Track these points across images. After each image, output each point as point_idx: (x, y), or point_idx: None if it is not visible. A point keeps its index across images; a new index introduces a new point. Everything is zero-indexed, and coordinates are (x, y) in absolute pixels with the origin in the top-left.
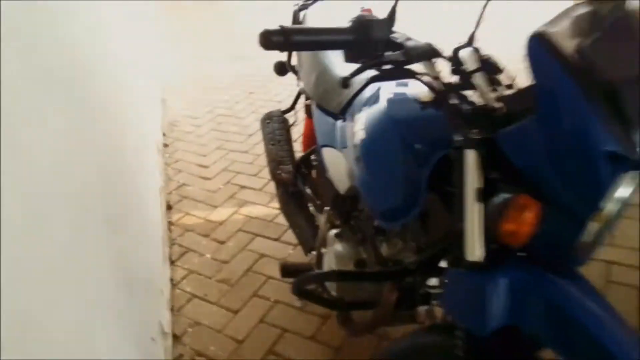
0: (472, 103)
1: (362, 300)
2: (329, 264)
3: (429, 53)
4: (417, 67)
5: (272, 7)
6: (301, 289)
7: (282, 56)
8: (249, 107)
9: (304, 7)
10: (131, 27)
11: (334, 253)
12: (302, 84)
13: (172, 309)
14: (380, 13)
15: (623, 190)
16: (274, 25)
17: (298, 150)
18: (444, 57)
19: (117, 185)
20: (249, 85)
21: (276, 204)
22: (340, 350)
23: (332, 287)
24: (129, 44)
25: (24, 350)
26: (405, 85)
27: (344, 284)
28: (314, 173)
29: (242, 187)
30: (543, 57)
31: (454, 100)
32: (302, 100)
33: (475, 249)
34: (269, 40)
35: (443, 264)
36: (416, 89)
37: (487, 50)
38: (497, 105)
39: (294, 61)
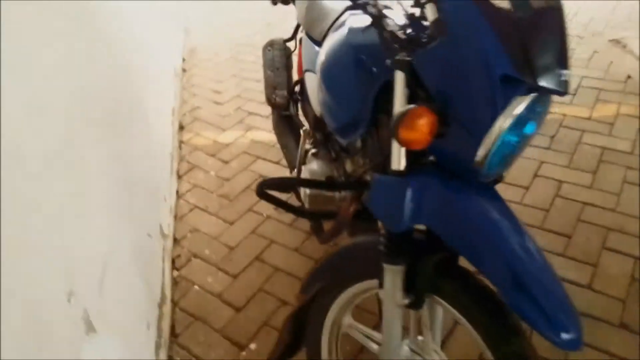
0: (403, 29)
1: (325, 211)
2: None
3: None
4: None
5: None
6: (263, 191)
7: None
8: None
9: None
10: None
11: (309, 169)
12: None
13: (175, 217)
14: None
15: (518, 109)
16: None
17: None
18: None
19: (122, 96)
20: (269, 17)
21: None
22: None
23: (306, 200)
24: None
25: (23, 241)
26: None
27: (315, 197)
28: None
29: (251, 113)
30: None
31: (388, 27)
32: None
33: (397, 159)
34: None
35: None
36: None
37: None
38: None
39: None
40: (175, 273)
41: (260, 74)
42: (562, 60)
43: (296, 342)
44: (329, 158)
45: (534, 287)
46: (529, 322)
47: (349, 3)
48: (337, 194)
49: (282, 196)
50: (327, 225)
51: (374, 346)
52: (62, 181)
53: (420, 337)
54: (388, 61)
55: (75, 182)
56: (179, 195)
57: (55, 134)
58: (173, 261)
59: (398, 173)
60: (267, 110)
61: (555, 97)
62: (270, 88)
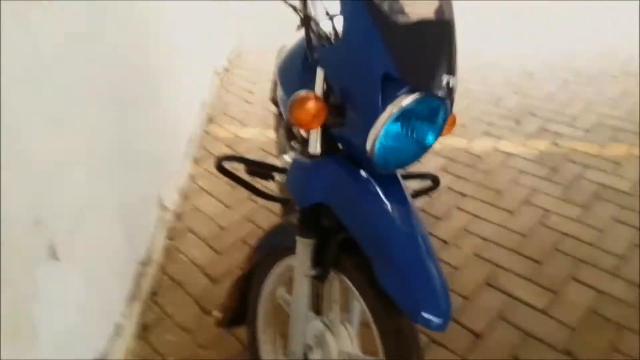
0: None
1: (284, 198)
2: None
3: None
4: None
5: None
6: (220, 165)
7: None
8: None
9: None
10: None
11: (283, 159)
12: None
13: (183, 196)
14: None
15: (398, 105)
16: None
17: None
18: None
19: (136, 81)
20: None
21: None
22: None
23: (276, 185)
24: None
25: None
26: None
27: (281, 183)
28: None
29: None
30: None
31: (313, 26)
32: None
33: (314, 145)
34: None
35: None
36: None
37: None
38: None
39: None
40: (169, 243)
41: None
42: (447, 67)
43: (241, 310)
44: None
45: (405, 268)
46: (395, 300)
47: None
48: None
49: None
50: None
51: None
52: (56, 127)
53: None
54: (314, 57)
55: (67, 133)
56: (191, 177)
57: (61, 96)
58: (170, 232)
59: (312, 157)
60: None
61: (568, 132)
62: (274, 86)
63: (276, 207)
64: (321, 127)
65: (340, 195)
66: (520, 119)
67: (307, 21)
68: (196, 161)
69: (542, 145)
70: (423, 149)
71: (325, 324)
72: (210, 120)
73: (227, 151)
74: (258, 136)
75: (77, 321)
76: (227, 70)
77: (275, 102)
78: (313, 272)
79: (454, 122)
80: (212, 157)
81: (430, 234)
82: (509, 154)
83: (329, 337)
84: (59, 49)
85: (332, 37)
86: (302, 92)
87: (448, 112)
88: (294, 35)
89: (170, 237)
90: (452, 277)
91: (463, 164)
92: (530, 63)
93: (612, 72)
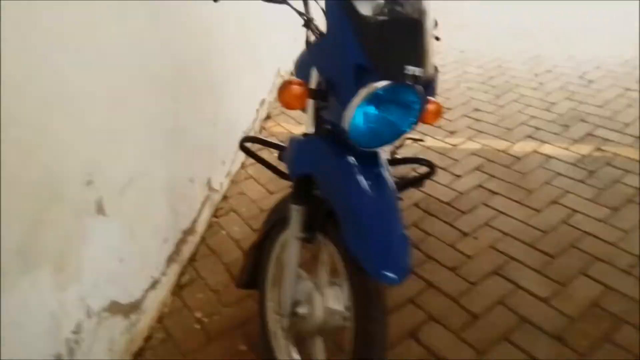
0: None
1: None
2: None
3: None
4: None
5: None
6: (243, 145)
7: None
8: None
9: None
10: None
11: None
12: None
13: (232, 180)
14: None
15: (369, 90)
16: None
17: None
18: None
19: (194, 75)
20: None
21: None
22: None
23: None
24: None
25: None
26: None
27: None
28: None
29: None
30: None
31: (313, 27)
32: None
33: (308, 125)
34: None
35: None
36: None
37: None
38: None
39: None
40: (214, 219)
41: None
42: (413, 60)
43: (255, 273)
44: None
45: (366, 230)
46: (357, 257)
47: None
48: None
49: None
50: None
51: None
52: (114, 105)
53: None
54: None
55: (124, 112)
56: (242, 165)
57: (123, 80)
58: (216, 210)
59: (306, 135)
60: None
61: (616, 138)
62: None
63: None
64: (315, 110)
65: (322, 167)
66: (569, 124)
67: (308, 23)
68: None
69: (586, 149)
70: (398, 132)
71: (315, 284)
72: (268, 117)
73: None
74: None
75: (117, 268)
76: (292, 74)
77: None
78: (302, 235)
79: (438, 112)
80: (265, 150)
81: (451, 225)
82: (548, 157)
83: (315, 295)
84: (124, 40)
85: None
86: (288, 79)
87: (422, 100)
88: None
89: (215, 215)
90: (463, 265)
91: (500, 164)
92: (592, 71)
93: None
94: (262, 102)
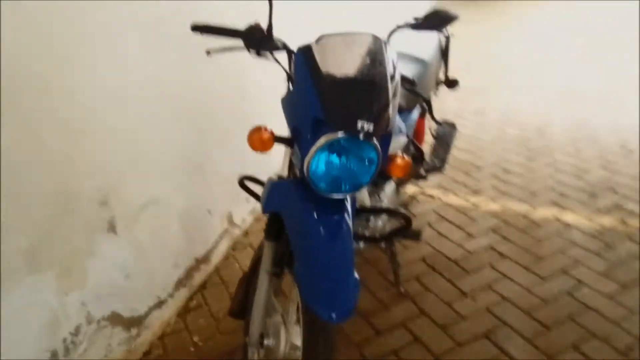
0: None
1: None
2: None
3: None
4: None
5: None
6: (242, 183)
7: None
8: None
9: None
10: None
11: None
12: None
13: (256, 218)
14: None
15: (324, 141)
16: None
17: None
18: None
19: (218, 112)
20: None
21: None
22: None
23: None
24: None
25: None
26: None
27: None
28: None
29: None
30: (300, 59)
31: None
32: None
33: (282, 169)
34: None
35: None
36: None
37: None
38: None
39: None
40: (231, 252)
41: None
42: (366, 115)
43: (244, 303)
44: None
45: (315, 274)
46: (304, 296)
47: None
48: None
49: None
50: None
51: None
52: (133, 134)
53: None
54: None
55: (143, 142)
56: None
57: (146, 115)
58: (235, 244)
59: (280, 177)
60: None
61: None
62: None
63: None
64: (289, 155)
65: (287, 207)
66: (597, 194)
67: (290, 76)
68: None
69: (608, 221)
70: (357, 182)
71: (283, 319)
72: None
73: None
74: None
75: (121, 283)
76: None
77: None
78: (271, 270)
79: (406, 166)
80: None
81: (452, 283)
82: (568, 225)
83: (281, 329)
84: (152, 74)
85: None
86: (258, 125)
87: (378, 153)
88: None
89: (233, 248)
90: (454, 324)
91: (516, 227)
92: (635, 140)
93: None
94: None
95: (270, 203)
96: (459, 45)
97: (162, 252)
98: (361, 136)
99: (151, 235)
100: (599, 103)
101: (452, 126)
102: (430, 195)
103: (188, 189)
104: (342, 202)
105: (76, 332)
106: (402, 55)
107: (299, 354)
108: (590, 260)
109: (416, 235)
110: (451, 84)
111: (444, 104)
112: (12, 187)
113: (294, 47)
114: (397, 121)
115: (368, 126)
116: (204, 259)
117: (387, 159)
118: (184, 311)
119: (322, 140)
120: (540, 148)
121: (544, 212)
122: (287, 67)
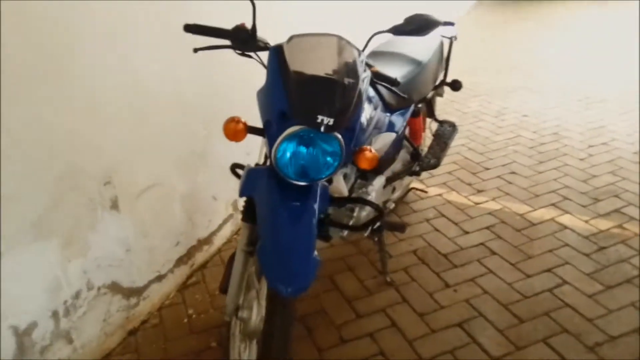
0: None
1: None
2: None
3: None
4: None
5: None
6: (233, 170)
7: None
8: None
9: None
10: None
11: None
12: None
13: None
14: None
15: (289, 131)
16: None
17: None
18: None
19: (228, 107)
20: None
21: None
22: None
23: None
24: None
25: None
26: None
27: None
28: None
29: None
30: (272, 56)
31: None
32: None
33: (259, 157)
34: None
35: None
36: None
37: None
38: None
39: None
40: (235, 236)
41: None
42: (326, 111)
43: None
44: None
45: (273, 252)
46: (264, 271)
47: None
48: None
49: None
50: None
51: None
52: (140, 122)
53: None
54: None
55: (149, 128)
56: None
57: (150, 103)
58: (239, 229)
59: (257, 164)
60: None
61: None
62: None
63: None
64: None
65: (257, 192)
66: (600, 198)
67: None
68: None
69: (606, 225)
70: (321, 171)
71: (257, 294)
72: None
73: None
74: None
75: (122, 256)
76: None
77: None
78: (246, 248)
79: (373, 159)
80: None
81: (438, 275)
82: (564, 227)
83: (255, 303)
84: (158, 67)
85: None
86: (231, 116)
87: (341, 145)
88: None
89: (237, 233)
90: (432, 313)
91: (512, 227)
92: None
93: None
94: None
95: (246, 188)
96: (490, 48)
97: (163, 231)
98: (322, 129)
99: (153, 215)
100: (618, 109)
101: (452, 126)
102: (423, 191)
103: (192, 175)
104: (308, 189)
105: (76, 296)
106: (396, 56)
107: None
108: (579, 261)
109: (400, 228)
110: (454, 85)
111: (464, 105)
112: (23, 162)
113: None
114: (383, 119)
115: (328, 120)
116: (207, 241)
117: (358, 151)
118: (183, 287)
119: (286, 132)
120: (552, 152)
121: (542, 214)
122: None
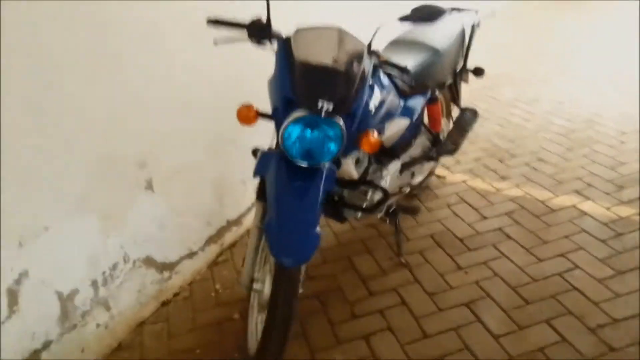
0: None
1: None
2: None
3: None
4: None
5: None
6: (255, 153)
7: None
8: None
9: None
10: None
11: None
12: None
13: None
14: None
15: (294, 115)
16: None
17: None
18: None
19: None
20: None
21: None
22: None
23: None
24: None
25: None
26: None
27: None
28: None
29: None
30: (280, 47)
31: None
32: None
33: (272, 141)
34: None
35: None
36: None
37: None
38: None
39: None
40: None
41: None
42: (327, 97)
43: None
44: None
45: (277, 226)
46: (268, 244)
47: None
48: None
49: None
50: None
51: None
52: (175, 112)
53: None
54: None
55: (184, 117)
56: None
57: (187, 97)
58: None
59: (270, 149)
60: None
61: None
62: None
63: None
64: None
65: (268, 173)
66: (625, 186)
67: None
68: None
69: (627, 212)
70: (325, 153)
71: (270, 268)
72: None
73: None
74: None
75: (156, 233)
76: None
77: None
78: (260, 225)
79: (376, 143)
80: None
81: (451, 257)
82: (584, 213)
83: (268, 276)
84: (194, 66)
85: None
86: (244, 103)
87: (341, 129)
88: None
89: None
90: (441, 293)
91: (532, 213)
92: None
93: None
94: None
95: (259, 169)
96: (529, 37)
97: (195, 211)
98: (323, 114)
99: (185, 196)
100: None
101: (473, 113)
102: (442, 177)
103: (222, 159)
104: (315, 171)
105: (114, 267)
106: (414, 44)
107: None
108: (594, 246)
109: (412, 211)
110: (477, 72)
111: (498, 92)
112: (66, 147)
113: None
114: (397, 104)
115: (328, 105)
116: (236, 222)
117: (363, 134)
118: (213, 264)
119: (291, 116)
120: (582, 139)
121: (563, 200)
122: None
